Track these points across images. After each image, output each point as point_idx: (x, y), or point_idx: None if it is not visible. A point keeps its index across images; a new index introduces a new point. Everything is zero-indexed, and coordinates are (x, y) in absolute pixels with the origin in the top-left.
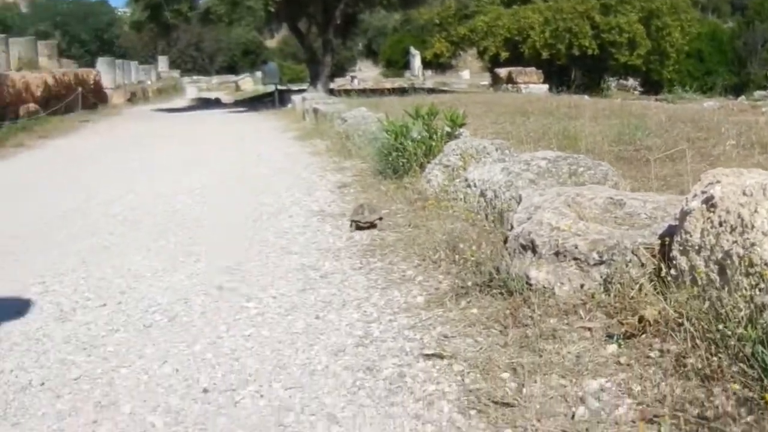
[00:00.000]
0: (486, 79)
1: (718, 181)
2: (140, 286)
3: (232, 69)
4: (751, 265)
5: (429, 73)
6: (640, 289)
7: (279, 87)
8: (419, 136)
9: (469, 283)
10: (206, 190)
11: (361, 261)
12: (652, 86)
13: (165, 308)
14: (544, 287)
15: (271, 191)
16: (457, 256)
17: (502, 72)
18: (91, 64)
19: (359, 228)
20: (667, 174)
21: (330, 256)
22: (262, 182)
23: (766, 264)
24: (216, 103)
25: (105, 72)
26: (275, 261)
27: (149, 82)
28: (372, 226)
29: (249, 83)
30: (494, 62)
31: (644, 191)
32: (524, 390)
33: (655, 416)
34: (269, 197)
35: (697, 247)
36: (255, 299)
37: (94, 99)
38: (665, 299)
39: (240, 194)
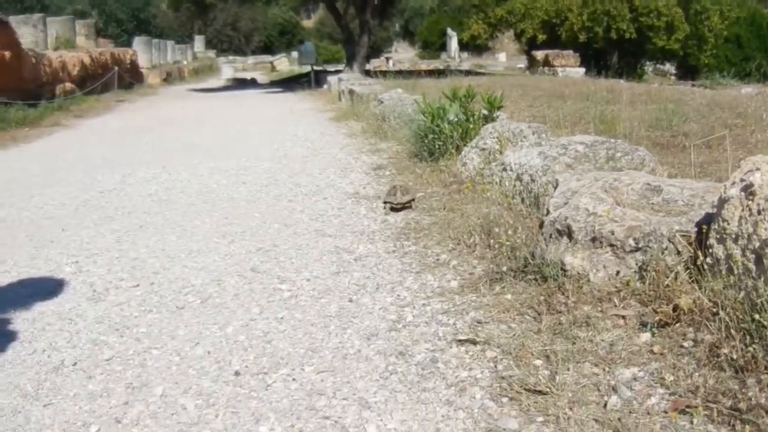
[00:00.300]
0: (522, 62)
1: (758, 169)
2: (174, 266)
3: (268, 49)
4: None
5: (465, 55)
6: (675, 278)
7: (315, 68)
8: (456, 119)
9: (504, 269)
10: (242, 171)
11: (395, 244)
12: (689, 71)
13: (198, 289)
14: (579, 274)
15: (306, 172)
16: (491, 241)
17: (539, 55)
18: (128, 44)
19: (392, 209)
20: (704, 161)
21: (364, 239)
22: (298, 163)
23: None
24: (252, 84)
25: (141, 51)
26: (309, 243)
27: (185, 62)
28: (405, 207)
29: (285, 63)
30: (531, 45)
31: (681, 178)
32: (557, 378)
33: (688, 407)
34: (304, 178)
35: (734, 236)
36: (288, 281)
37: (131, 78)
38: (700, 288)
39: (275, 175)
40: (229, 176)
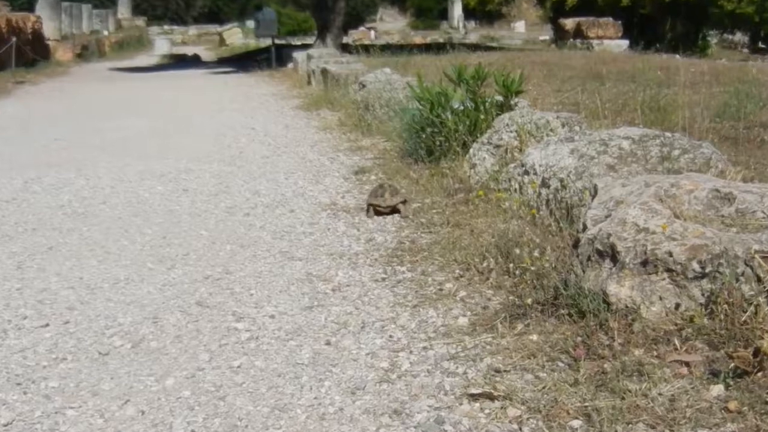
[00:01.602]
0: (547, 33)
1: None
2: (95, 300)
3: (215, 17)
4: None
5: (472, 24)
6: (755, 312)
7: (276, 41)
8: (462, 107)
9: (528, 301)
10: (183, 175)
11: (385, 270)
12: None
13: (127, 330)
14: (627, 307)
15: (268, 177)
16: (511, 265)
17: (569, 23)
18: (30, 8)
19: (378, 213)
20: None
21: (344, 264)
22: (256, 165)
23: None
24: (194, 62)
25: (47, 18)
26: (273, 269)
27: (106, 33)
28: (394, 211)
29: (237, 36)
30: (558, 11)
31: (760, 182)
32: None
33: None
34: (265, 185)
35: None
36: (247, 319)
37: (34, 53)
38: None
39: (227, 180)
40: (167, 182)
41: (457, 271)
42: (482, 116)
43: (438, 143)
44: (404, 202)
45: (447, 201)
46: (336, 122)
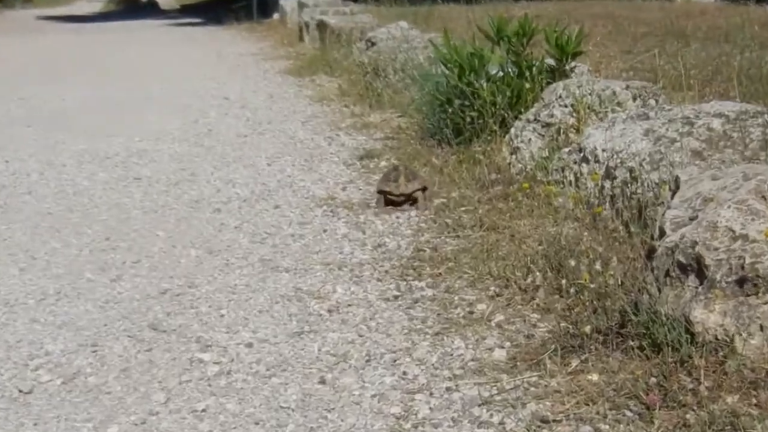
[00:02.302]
0: None
1: None
2: (15, 320)
3: None
4: None
5: None
6: None
7: None
8: (501, 73)
9: (586, 329)
10: (134, 160)
11: (398, 285)
12: None
13: (58, 361)
14: (718, 339)
15: (246, 162)
16: (564, 281)
17: None
18: None
19: (391, 203)
20: None
21: (345, 277)
22: (231, 147)
23: None
24: (151, 10)
25: None
26: (251, 283)
27: None
28: (410, 200)
29: None
30: None
31: None
32: None
33: None
34: (242, 172)
35: None
36: (216, 348)
37: None
38: None
39: (193, 166)
40: (113, 167)
41: (493, 288)
42: (528, 85)
43: (469, 120)
44: (424, 189)
45: (480, 196)
46: (335, 91)
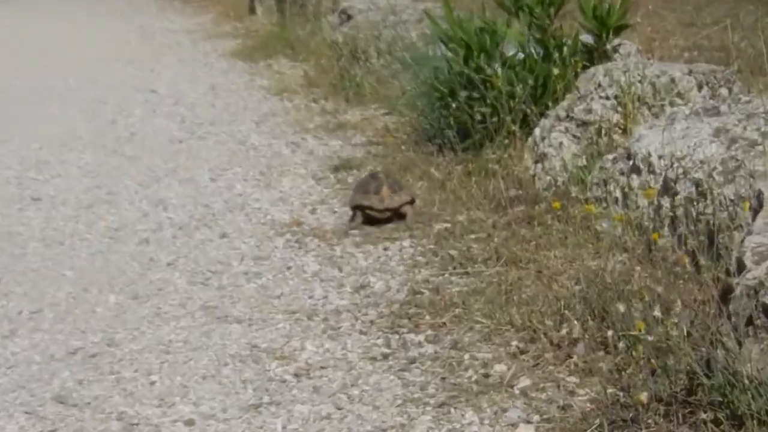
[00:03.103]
0: None
1: None
2: None
3: None
4: None
5: None
6: None
7: None
8: (522, 55)
9: (642, 397)
10: (30, 174)
11: (388, 340)
12: None
13: None
14: None
15: (182, 177)
16: (610, 333)
17: None
18: None
19: (372, 221)
20: None
21: (316, 329)
22: (162, 157)
23: None
24: None
25: None
26: (191, 338)
27: None
28: (397, 216)
29: None
30: None
31: None
32: None
33: None
34: (177, 190)
35: None
36: (144, 427)
37: None
38: None
39: (110, 183)
40: (3, 185)
41: (515, 342)
42: (557, 71)
43: (479, 118)
44: (412, 202)
45: (495, 219)
46: (300, 81)
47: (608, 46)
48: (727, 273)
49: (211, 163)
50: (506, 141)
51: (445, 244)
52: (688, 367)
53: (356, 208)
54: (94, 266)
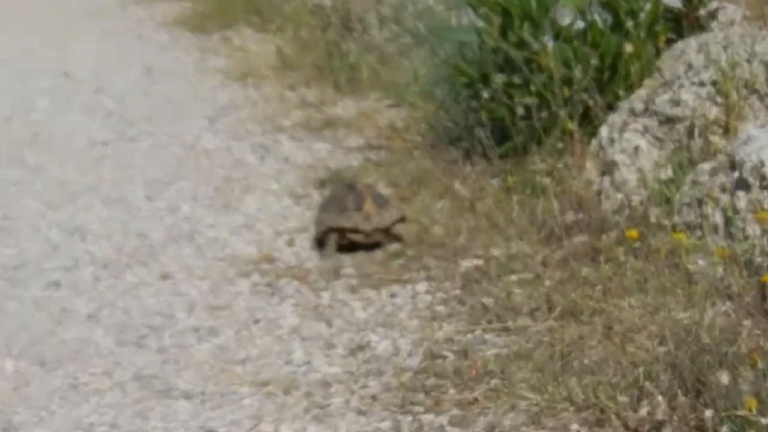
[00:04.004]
0: None
1: None
2: None
3: None
4: None
5: None
6: None
7: None
8: (581, 24)
9: None
10: None
11: (396, 424)
12: None
13: None
14: None
15: (106, 195)
16: (709, 413)
17: None
18: None
19: (352, 247)
20: None
21: (296, 408)
22: (78, 166)
23: None
24: None
25: None
26: (120, 420)
27: None
28: (389, 237)
29: None
30: None
31: None
32: None
33: None
34: (100, 213)
35: None
36: None
37: None
38: None
39: (4, 202)
40: None
41: (576, 426)
42: (630, 46)
43: (522, 112)
44: (403, 220)
45: (546, 253)
46: (272, 60)
47: (702, 11)
48: None
49: (148, 176)
50: (560, 145)
51: (476, 288)
52: None
53: (329, 230)
54: None
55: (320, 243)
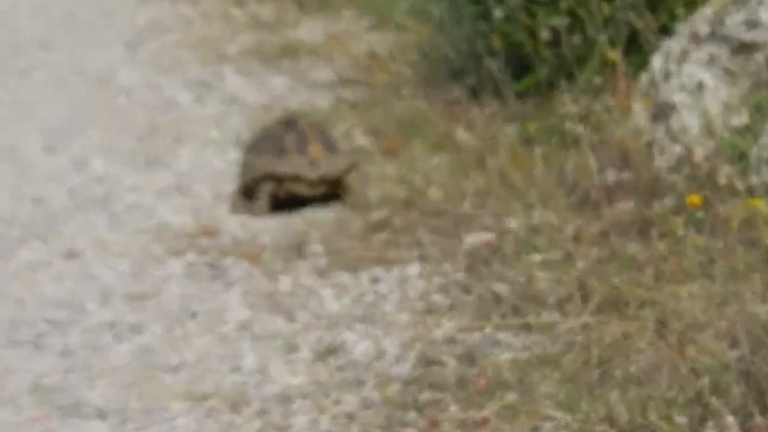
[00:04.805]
0: None
1: None
2: None
3: None
4: None
5: None
6: None
7: None
8: None
9: None
10: None
11: None
12: None
13: None
14: None
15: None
16: None
17: None
18: None
19: (288, 202)
20: None
21: (247, 429)
22: None
23: None
24: None
25: None
26: None
27: None
28: (334, 188)
29: None
30: None
31: None
32: None
33: None
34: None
35: None
36: None
37: None
38: None
39: None
40: None
41: None
42: None
43: (547, 37)
44: (352, 168)
45: (580, 224)
46: None
47: None
48: None
49: (47, 122)
50: (598, 80)
51: (486, 272)
52: None
53: (263, 179)
54: None
55: (248, 194)
